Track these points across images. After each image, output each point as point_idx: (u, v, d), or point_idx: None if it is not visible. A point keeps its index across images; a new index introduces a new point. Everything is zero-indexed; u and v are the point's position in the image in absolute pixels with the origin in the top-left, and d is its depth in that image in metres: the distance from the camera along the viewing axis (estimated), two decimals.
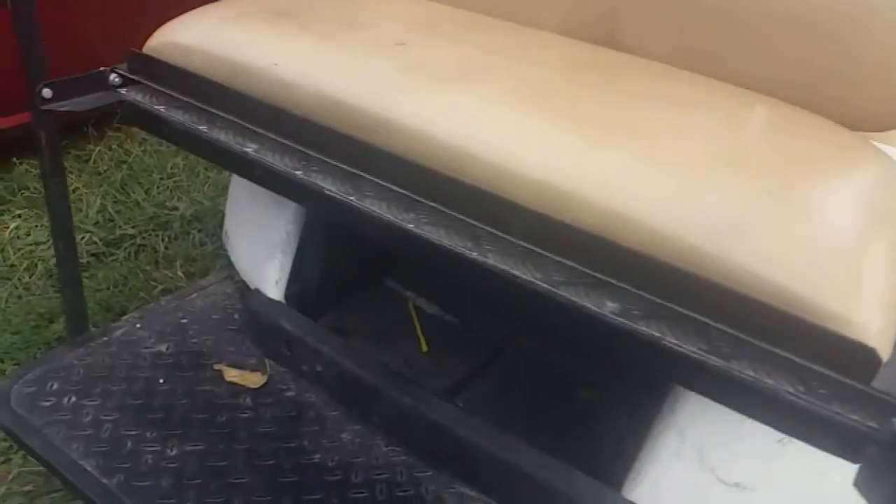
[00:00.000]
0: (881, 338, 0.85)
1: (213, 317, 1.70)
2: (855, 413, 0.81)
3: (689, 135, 0.97)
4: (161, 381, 1.50)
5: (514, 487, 1.31)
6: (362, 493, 1.33)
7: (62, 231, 1.46)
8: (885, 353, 0.85)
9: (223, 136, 1.27)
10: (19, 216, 2.55)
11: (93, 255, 2.42)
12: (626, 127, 1.01)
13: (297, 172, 1.20)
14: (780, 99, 1.19)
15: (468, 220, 1.09)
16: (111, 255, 2.42)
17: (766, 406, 0.86)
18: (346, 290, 1.74)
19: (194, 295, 1.76)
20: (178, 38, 1.29)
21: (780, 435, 0.91)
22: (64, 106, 1.34)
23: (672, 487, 1.21)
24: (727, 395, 0.91)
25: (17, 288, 2.24)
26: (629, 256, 0.95)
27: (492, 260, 1.04)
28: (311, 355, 1.50)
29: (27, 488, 1.69)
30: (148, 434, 1.38)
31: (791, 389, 0.83)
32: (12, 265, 2.32)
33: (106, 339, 1.58)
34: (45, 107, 1.32)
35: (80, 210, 2.60)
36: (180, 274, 2.30)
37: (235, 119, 1.27)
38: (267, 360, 1.56)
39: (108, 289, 2.25)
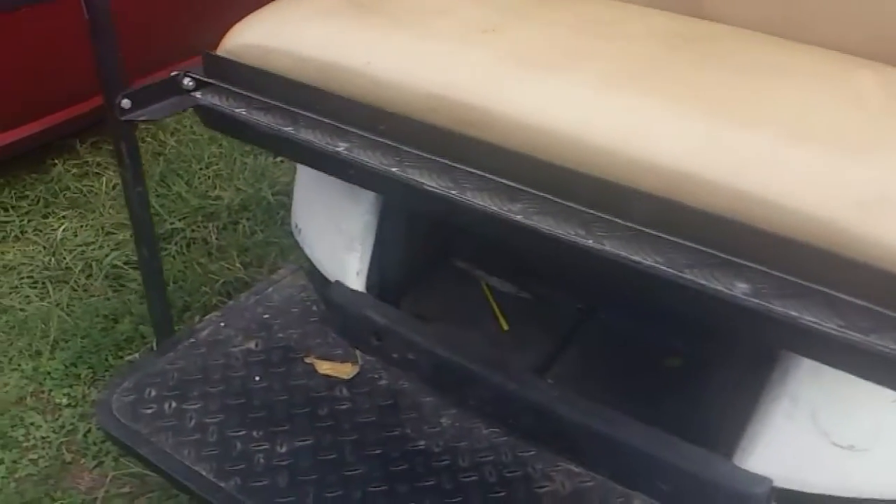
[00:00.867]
0: None
1: (293, 310, 1.70)
2: None
3: (815, 109, 0.96)
4: (257, 378, 1.51)
5: (623, 462, 1.33)
6: (472, 476, 1.35)
7: (145, 238, 1.46)
8: None
9: (312, 137, 1.26)
10: (64, 217, 2.55)
11: None
12: (746, 104, 0.99)
13: (394, 169, 1.19)
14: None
15: (578, 207, 1.09)
16: (163, 249, 2.42)
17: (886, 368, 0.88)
18: (421, 274, 1.74)
19: (270, 289, 1.76)
20: (258, 39, 1.27)
21: (894, 395, 0.92)
22: (142, 116, 1.33)
23: (786, 453, 1.22)
24: (846, 359, 0.93)
25: (76, 290, 2.25)
26: (763, 237, 0.95)
27: (608, 247, 1.04)
28: (402, 344, 1.51)
29: (125, 490, 1.72)
30: (255, 433, 1.40)
31: None
32: (68, 267, 2.33)
33: (193, 340, 1.59)
34: (125, 118, 1.30)
35: (125, 207, 2.59)
36: (238, 265, 2.31)
37: (323, 119, 1.26)
38: (356, 351, 1.57)
39: (168, 285, 2.25)
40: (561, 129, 1.03)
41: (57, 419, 1.87)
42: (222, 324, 1.65)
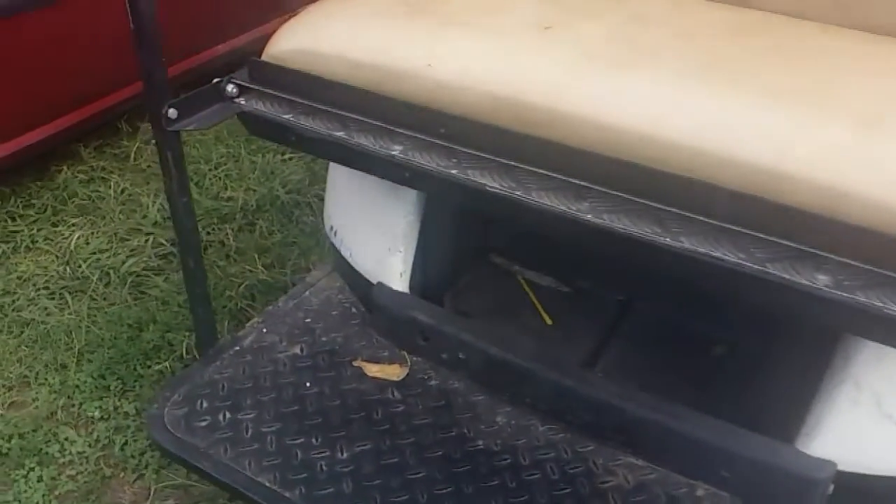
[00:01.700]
0: None
1: (333, 313, 1.69)
2: None
3: (890, 98, 0.97)
4: (307, 384, 1.50)
5: (685, 453, 1.34)
6: (534, 474, 1.35)
7: (191, 248, 1.43)
8: None
9: (365, 140, 1.24)
10: (74, 225, 2.50)
11: (161, 256, 2.38)
12: (821, 94, 1.00)
13: (454, 171, 1.18)
14: None
15: (651, 203, 1.08)
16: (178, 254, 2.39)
17: None
18: (461, 272, 1.74)
19: (307, 293, 1.74)
20: (306, 44, 1.25)
21: None
22: (190, 125, 1.30)
23: (850, 437, 1.24)
24: None
25: (95, 300, 2.22)
26: (841, 228, 0.96)
27: (686, 243, 1.05)
28: (451, 344, 1.50)
29: (169, 502, 1.70)
30: (313, 440, 1.39)
31: None
32: (84, 276, 2.28)
33: (238, 348, 1.57)
34: (171, 128, 1.28)
35: (135, 212, 2.56)
36: (260, 267, 2.28)
37: (376, 122, 1.24)
38: (403, 352, 1.57)
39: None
40: (638, 127, 1.02)
41: (91, 433, 1.84)
42: (265, 330, 1.63)
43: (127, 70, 2.66)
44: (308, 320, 1.66)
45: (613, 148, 1.07)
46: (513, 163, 1.17)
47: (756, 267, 1.00)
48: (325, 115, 1.29)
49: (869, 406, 1.22)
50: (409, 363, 1.55)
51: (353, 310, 1.70)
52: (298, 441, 1.38)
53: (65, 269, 2.32)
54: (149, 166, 2.77)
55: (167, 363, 1.99)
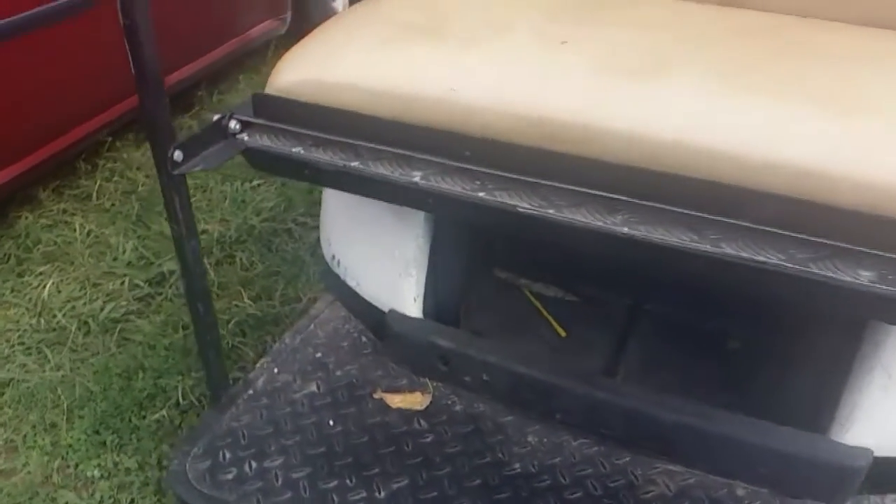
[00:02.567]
0: None
1: (343, 345, 1.65)
2: None
3: None
4: (330, 422, 1.45)
5: (720, 454, 1.34)
6: (576, 492, 1.34)
7: (200, 293, 1.37)
8: None
9: (383, 169, 1.21)
10: (42, 274, 2.37)
11: (139, 299, 2.29)
12: (848, 94, 1.01)
13: (480, 194, 1.16)
14: None
15: (685, 211, 1.08)
16: (159, 294, 2.30)
17: None
18: (471, 291, 1.71)
19: (312, 326, 1.69)
20: (314, 74, 1.20)
21: None
22: (195, 166, 1.24)
23: (884, 425, 1.27)
24: None
25: (75, 351, 2.11)
26: (881, 224, 0.98)
27: (728, 249, 1.05)
28: (474, 366, 1.47)
29: None
30: (348, 481, 1.34)
31: None
32: (62, 327, 2.17)
33: (251, 392, 1.52)
34: (178, 171, 1.22)
35: (105, 254, 2.45)
36: (247, 301, 2.21)
37: (392, 149, 1.21)
38: (423, 379, 1.53)
39: (177, 332, 2.14)
40: (675, 137, 1.02)
41: (93, 494, 1.74)
42: (276, 370, 1.58)
43: (83, 107, 2.58)
44: (318, 355, 1.61)
45: (647, 159, 1.07)
46: (540, 181, 1.15)
47: (799, 267, 1.01)
48: (337, 145, 1.24)
49: None
50: (430, 390, 1.52)
51: (363, 339, 1.66)
52: (333, 484, 1.34)
53: (38, 322, 2.20)
54: (112, 205, 2.66)
55: (164, 411, 1.90)
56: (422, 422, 1.46)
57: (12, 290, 2.32)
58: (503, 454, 1.40)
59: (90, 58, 2.52)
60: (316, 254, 2.39)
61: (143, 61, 1.11)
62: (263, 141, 1.28)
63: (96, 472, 1.79)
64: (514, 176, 1.16)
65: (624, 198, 1.11)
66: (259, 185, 2.76)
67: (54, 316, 2.21)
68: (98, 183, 2.71)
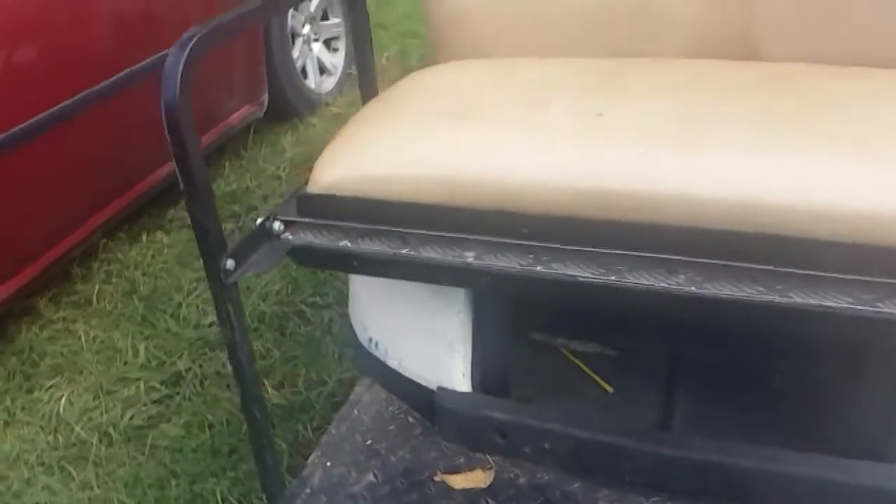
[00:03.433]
0: None
1: (390, 428, 1.62)
2: None
3: None
4: None
5: (793, 494, 1.34)
6: None
7: (255, 399, 1.34)
8: None
9: (433, 253, 1.22)
10: (52, 388, 2.30)
11: (157, 402, 2.23)
12: (886, 137, 1.06)
13: (538, 268, 1.17)
14: None
15: (747, 265, 1.11)
16: (176, 394, 2.24)
17: None
18: (514, 359, 1.71)
19: (356, 412, 1.66)
20: (355, 170, 1.22)
21: None
22: (246, 271, 1.24)
23: None
24: None
25: (100, 465, 2.04)
26: None
27: (796, 298, 1.07)
28: (533, 436, 1.46)
29: None
30: None
31: None
32: (82, 441, 2.10)
33: (308, 491, 1.47)
34: (230, 280, 1.21)
35: (115, 359, 2.39)
36: (271, 391, 2.16)
37: (442, 233, 1.22)
38: (483, 455, 1.51)
39: (203, 432, 2.09)
40: (729, 196, 1.05)
41: None
42: (328, 463, 1.54)
43: (81, 209, 2.55)
44: (369, 442, 1.58)
45: (702, 218, 1.09)
46: (596, 249, 1.17)
47: (868, 308, 1.04)
48: (384, 234, 1.25)
49: None
50: (492, 465, 1.50)
51: (410, 419, 1.64)
52: None
53: (56, 439, 2.12)
54: (114, 308, 2.60)
55: None
56: (489, 500, 1.44)
57: (23, 409, 2.24)
58: None
59: (83, 160, 2.50)
60: (333, 333, 2.37)
61: (192, 174, 1.11)
62: (308, 238, 1.28)
63: None
64: (569, 247, 1.18)
65: (682, 258, 1.14)
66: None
67: (72, 430, 2.14)
68: (97, 286, 2.66)
